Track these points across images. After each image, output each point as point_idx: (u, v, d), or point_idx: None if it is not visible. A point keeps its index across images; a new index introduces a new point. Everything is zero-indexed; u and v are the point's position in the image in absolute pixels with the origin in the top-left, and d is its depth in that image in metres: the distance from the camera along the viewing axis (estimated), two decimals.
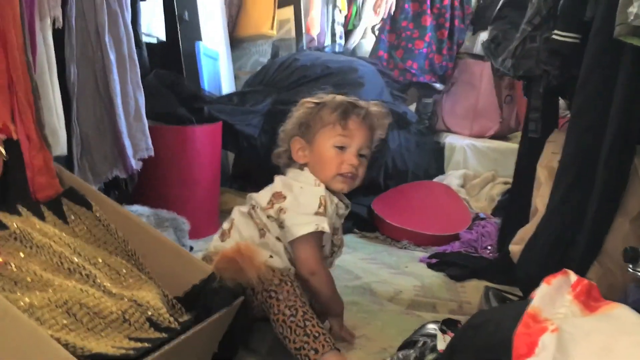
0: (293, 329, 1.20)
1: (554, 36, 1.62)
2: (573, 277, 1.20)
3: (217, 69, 3.16)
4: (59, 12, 1.45)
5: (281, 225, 1.36)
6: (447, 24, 3.21)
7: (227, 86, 3.25)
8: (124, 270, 1.15)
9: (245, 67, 3.85)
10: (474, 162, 2.97)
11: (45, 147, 1.26)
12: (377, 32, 3.90)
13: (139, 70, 1.86)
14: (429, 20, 3.21)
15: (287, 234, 1.34)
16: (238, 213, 1.45)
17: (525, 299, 1.67)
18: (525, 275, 1.62)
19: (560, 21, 1.61)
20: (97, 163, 1.82)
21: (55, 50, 1.60)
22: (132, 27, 1.90)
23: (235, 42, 3.88)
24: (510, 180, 2.78)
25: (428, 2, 3.21)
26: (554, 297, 1.16)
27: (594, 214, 1.48)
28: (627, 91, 1.39)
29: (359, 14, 4.84)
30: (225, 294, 1.13)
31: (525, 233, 1.73)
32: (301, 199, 1.36)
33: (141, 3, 2.06)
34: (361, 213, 2.39)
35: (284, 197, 1.37)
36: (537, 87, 1.82)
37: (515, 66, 1.76)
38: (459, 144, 3.02)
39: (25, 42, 1.19)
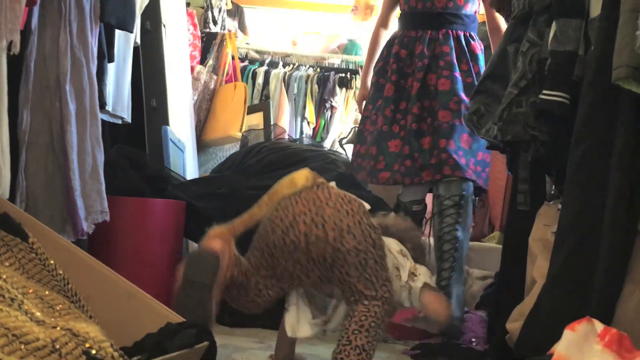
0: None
1: (542, 96, 1.56)
2: (599, 325, 1.04)
3: (183, 161, 3.03)
4: (17, 37, 1.31)
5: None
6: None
7: None
8: (60, 306, 0.93)
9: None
10: None
11: None
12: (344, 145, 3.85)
13: (100, 125, 1.71)
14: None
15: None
16: None
17: None
18: (528, 352, 1.42)
19: (548, 81, 1.56)
20: (42, 223, 1.60)
21: (9, 93, 1.46)
22: (98, 85, 1.78)
23: (202, 146, 3.83)
24: (488, 274, 2.66)
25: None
26: (581, 345, 0.99)
27: (602, 280, 1.33)
28: (628, 142, 1.31)
29: (326, 127, 4.89)
30: (186, 336, 0.91)
31: (524, 308, 1.56)
32: None
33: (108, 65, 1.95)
34: None
35: None
36: (525, 157, 1.74)
37: (503, 131, 1.69)
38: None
39: None
